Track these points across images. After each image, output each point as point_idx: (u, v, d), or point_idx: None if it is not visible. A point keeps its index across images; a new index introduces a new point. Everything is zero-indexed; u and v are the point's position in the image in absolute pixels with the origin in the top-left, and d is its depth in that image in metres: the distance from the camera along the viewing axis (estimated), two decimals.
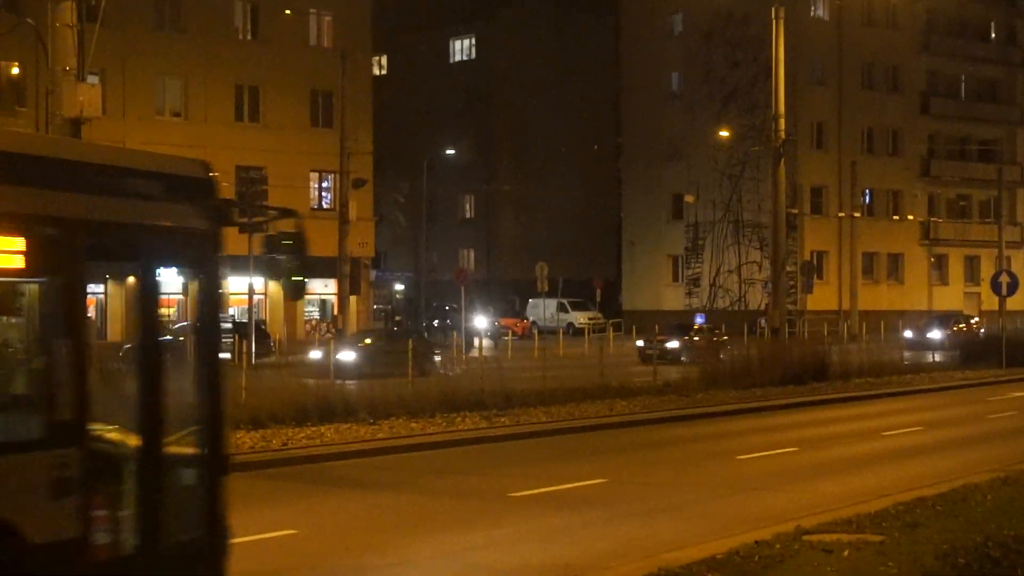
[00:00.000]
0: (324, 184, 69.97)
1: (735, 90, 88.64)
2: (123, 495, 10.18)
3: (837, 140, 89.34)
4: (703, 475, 22.80)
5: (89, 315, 10.50)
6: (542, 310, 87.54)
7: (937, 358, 54.59)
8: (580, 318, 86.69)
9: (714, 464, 24.29)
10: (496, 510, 19.03)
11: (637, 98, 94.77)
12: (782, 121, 46.39)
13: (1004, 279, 51.47)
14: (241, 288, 56.32)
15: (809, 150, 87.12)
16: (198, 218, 10.84)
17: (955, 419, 33.32)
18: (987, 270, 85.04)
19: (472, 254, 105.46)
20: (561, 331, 73.56)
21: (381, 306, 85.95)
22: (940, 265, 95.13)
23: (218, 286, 11.19)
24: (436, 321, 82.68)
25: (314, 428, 27.06)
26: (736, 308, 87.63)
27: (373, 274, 78.82)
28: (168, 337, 11.10)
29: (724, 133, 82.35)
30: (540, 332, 75.58)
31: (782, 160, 46.41)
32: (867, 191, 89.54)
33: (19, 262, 9.39)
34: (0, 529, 9.02)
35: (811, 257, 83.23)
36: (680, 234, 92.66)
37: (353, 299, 61.96)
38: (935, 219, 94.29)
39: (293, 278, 12.63)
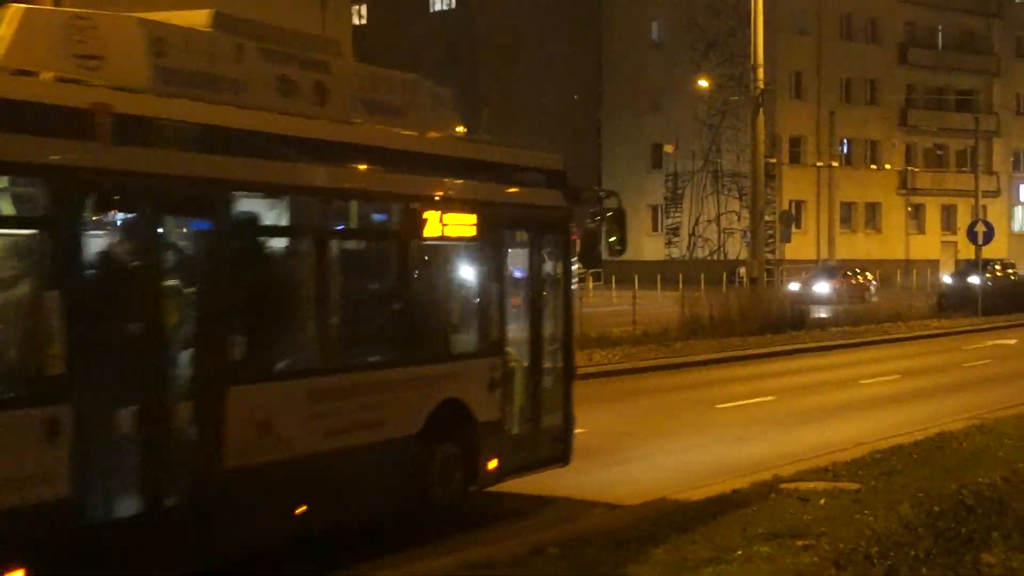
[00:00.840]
0: None
1: (715, 39, 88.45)
2: (523, 391, 15.02)
3: (816, 90, 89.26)
4: (682, 424, 22.87)
5: (505, 269, 14.89)
6: None
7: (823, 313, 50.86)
8: None
9: (693, 413, 24.38)
10: None
11: (618, 47, 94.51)
12: (761, 71, 46.28)
13: (980, 228, 51.61)
14: None
15: (788, 100, 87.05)
16: (560, 198, 15.71)
17: (931, 367, 33.45)
18: (964, 219, 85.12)
19: None
20: None
21: None
22: (917, 214, 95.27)
23: (570, 248, 16.09)
24: None
25: None
26: (715, 258, 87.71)
27: None
28: (547, 284, 15.78)
29: (704, 83, 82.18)
30: None
31: (761, 110, 46.32)
32: (845, 141, 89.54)
33: (471, 231, 14.20)
34: (463, 409, 13.91)
35: (789, 207, 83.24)
36: (660, 184, 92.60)
37: None
38: (912, 168, 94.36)
39: (612, 241, 16.57)
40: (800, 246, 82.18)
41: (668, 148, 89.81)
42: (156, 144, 10.48)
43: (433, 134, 14.01)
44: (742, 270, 56.20)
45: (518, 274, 15.29)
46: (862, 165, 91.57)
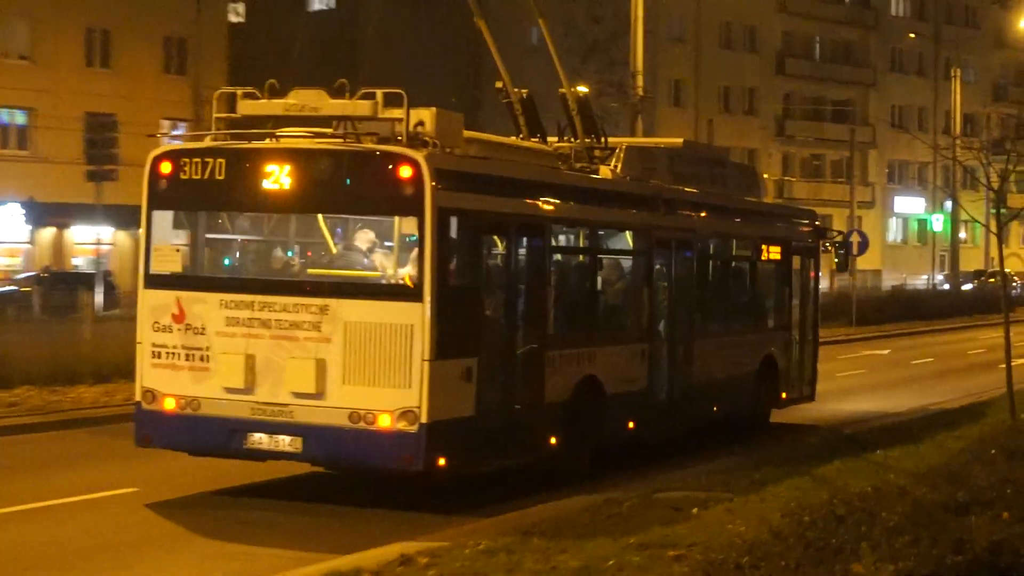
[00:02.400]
0: (176, 132, 68.89)
1: (595, 45, 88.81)
2: (798, 353, 23.67)
3: (694, 98, 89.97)
4: None
5: (796, 279, 23.82)
6: None
7: None
8: None
9: None
10: None
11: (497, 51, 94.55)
12: (640, 78, 46.58)
13: (855, 239, 52.22)
14: (88, 239, 55.62)
15: (667, 108, 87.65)
16: (814, 235, 24.72)
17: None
18: (839, 229, 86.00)
19: None
20: None
21: None
22: None
23: (819, 266, 24.71)
24: None
25: None
26: None
27: None
28: (803, 282, 24.30)
29: (583, 89, 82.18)
30: None
31: (639, 117, 46.62)
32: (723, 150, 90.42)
33: (778, 255, 23.24)
34: (774, 361, 22.68)
35: None
36: None
37: None
38: (789, 178, 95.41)
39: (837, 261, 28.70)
40: None
41: None
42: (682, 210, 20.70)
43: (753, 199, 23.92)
44: None
45: (797, 279, 23.84)
46: None
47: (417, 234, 14.59)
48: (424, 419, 14.31)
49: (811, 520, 12.48)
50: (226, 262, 16.67)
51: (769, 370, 22.53)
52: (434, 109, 15.84)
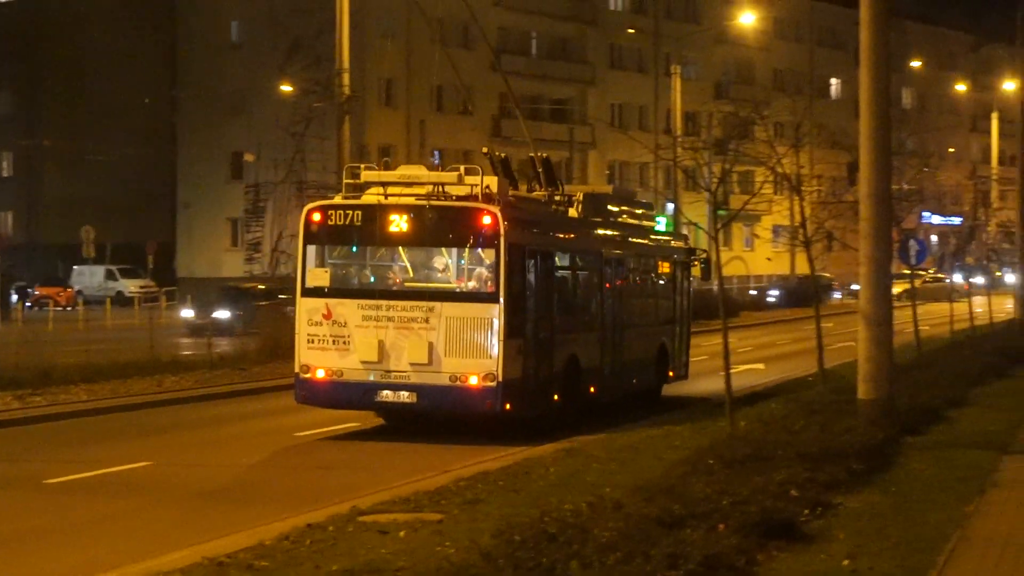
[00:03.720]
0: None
1: (300, 42, 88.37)
2: (678, 341, 32.33)
3: (406, 98, 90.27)
4: (258, 455, 22.77)
5: (681, 285, 32.81)
6: (88, 277, 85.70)
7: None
8: (131, 286, 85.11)
9: (270, 443, 24.29)
10: (29, 499, 18.57)
11: (194, 47, 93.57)
12: (347, 76, 46.62)
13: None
14: None
15: (377, 108, 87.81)
16: (687, 255, 33.25)
17: None
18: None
19: (10, 217, 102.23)
20: (110, 300, 72.15)
21: None
22: None
23: (690, 276, 33.25)
24: None
25: None
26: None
27: None
28: (684, 289, 33.18)
29: (287, 88, 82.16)
30: (87, 302, 74.11)
31: (347, 118, 46.65)
32: (437, 151, 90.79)
33: (668, 268, 32.40)
34: (665, 347, 31.34)
35: None
36: (240, 195, 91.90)
37: None
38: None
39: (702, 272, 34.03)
40: None
41: (249, 157, 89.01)
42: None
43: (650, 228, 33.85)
44: None
45: (678, 286, 32.64)
46: None
47: (494, 259, 23.53)
48: (500, 378, 23.18)
49: (522, 540, 12.62)
50: (360, 279, 25.03)
51: (662, 355, 31.37)
52: (495, 178, 24.97)
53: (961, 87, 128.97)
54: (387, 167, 25.11)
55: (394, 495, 17.11)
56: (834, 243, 42.19)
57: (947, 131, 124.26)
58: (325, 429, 25.60)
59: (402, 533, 14.35)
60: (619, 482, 17.09)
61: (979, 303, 51.38)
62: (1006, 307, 60.19)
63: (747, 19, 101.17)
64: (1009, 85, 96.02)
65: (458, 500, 16.42)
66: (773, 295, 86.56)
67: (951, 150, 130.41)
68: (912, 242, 39.06)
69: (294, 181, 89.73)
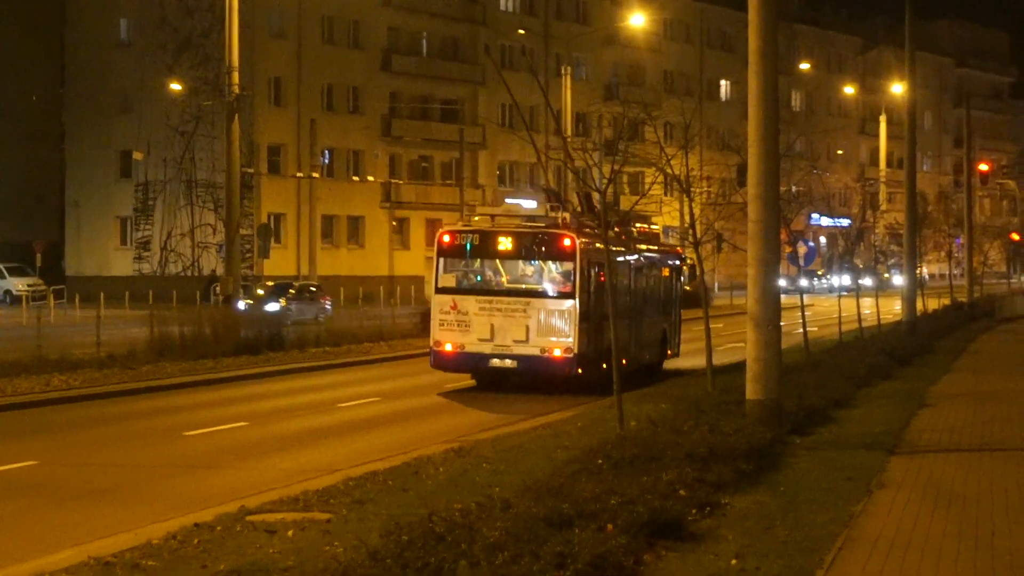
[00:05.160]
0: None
1: (188, 40, 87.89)
2: (674, 327, 40.84)
3: (296, 97, 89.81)
4: (147, 454, 22.59)
5: (676, 283, 41.87)
6: None
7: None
8: (18, 285, 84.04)
9: (159, 442, 24.10)
10: None
11: (82, 45, 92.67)
12: (236, 75, 46.33)
13: None
14: None
15: (267, 106, 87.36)
16: (679, 260, 42.12)
17: (414, 389, 34.14)
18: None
19: None
20: None
21: None
22: (402, 228, 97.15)
23: (681, 277, 42.58)
24: None
25: None
26: (189, 274, 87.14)
27: None
28: (678, 287, 42.39)
29: (176, 86, 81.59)
30: None
31: (236, 116, 46.38)
32: (327, 151, 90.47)
33: (667, 272, 40.79)
34: (667, 332, 40.15)
35: (268, 219, 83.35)
36: (129, 194, 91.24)
37: None
38: (396, 181, 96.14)
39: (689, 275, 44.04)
40: (280, 261, 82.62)
41: (138, 155, 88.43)
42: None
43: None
44: (218, 287, 55.94)
45: (674, 285, 40.91)
46: (344, 176, 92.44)
47: (572, 268, 32.12)
48: (575, 351, 31.64)
49: (410, 539, 12.58)
50: (477, 281, 33.22)
51: (664, 337, 39.49)
52: (568, 213, 33.52)
53: (850, 90, 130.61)
54: (495, 203, 37.29)
55: (283, 495, 17.02)
56: (724, 244, 42.60)
57: (836, 133, 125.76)
58: (214, 428, 25.48)
59: (290, 532, 14.28)
60: (508, 482, 17.10)
61: (867, 304, 51.92)
62: (894, 308, 60.93)
63: (637, 21, 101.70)
64: (897, 88, 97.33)
65: (347, 500, 16.36)
66: None
67: (840, 152, 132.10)
68: (801, 243, 40.77)
69: (184, 180, 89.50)
